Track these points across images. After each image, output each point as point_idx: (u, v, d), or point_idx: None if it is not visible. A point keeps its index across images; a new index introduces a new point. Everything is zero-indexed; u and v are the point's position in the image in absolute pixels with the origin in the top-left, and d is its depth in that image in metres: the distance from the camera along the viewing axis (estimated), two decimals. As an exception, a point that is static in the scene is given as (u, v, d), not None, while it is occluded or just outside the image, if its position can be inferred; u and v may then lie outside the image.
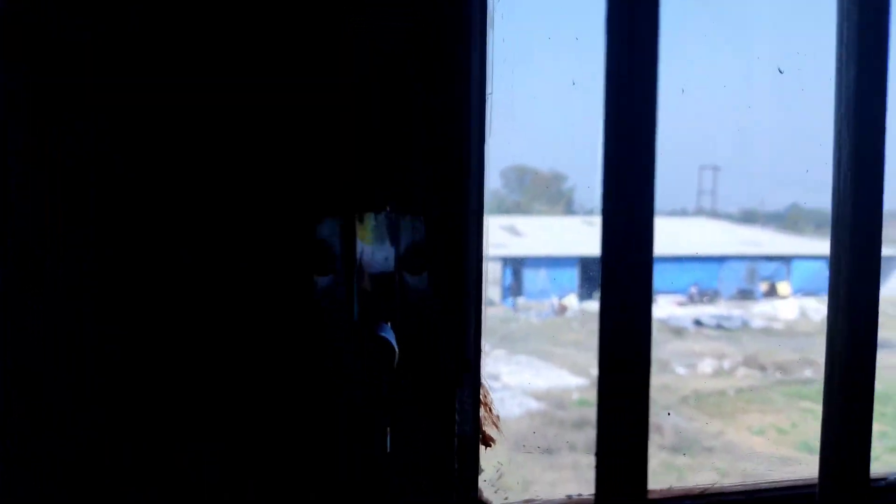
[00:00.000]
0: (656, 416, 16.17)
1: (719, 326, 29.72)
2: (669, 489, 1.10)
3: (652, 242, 0.89)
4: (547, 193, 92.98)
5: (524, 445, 13.58)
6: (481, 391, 0.78)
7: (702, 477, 12.18)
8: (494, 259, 38.07)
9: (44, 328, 0.64)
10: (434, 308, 0.78)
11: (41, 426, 0.66)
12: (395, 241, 0.78)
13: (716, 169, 69.55)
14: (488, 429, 0.78)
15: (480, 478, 0.78)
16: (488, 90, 0.86)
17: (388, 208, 0.76)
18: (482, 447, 0.79)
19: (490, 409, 0.78)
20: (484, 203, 0.86)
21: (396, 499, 0.74)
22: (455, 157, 0.80)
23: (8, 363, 0.64)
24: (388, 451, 0.73)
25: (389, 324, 0.75)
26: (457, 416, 0.78)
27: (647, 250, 0.89)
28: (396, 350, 0.71)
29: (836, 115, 0.96)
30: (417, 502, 0.75)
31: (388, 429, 0.73)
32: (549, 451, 13.30)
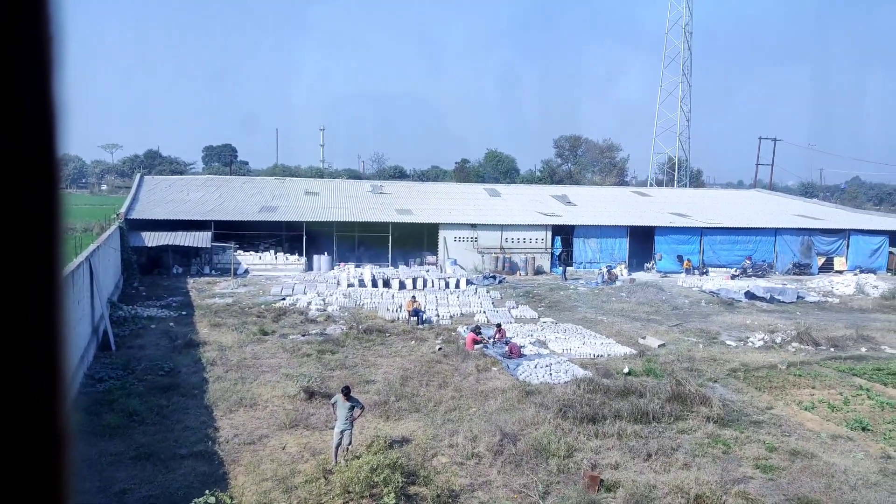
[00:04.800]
0: (703, 387, 16.07)
1: (772, 300, 29.13)
2: None
3: None
4: (600, 163, 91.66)
5: (570, 412, 13.68)
6: None
7: (749, 450, 12.10)
8: (545, 227, 37.98)
9: None
10: None
11: None
12: None
13: (776, 140, 67.02)
14: None
15: None
16: None
17: None
18: None
19: None
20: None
21: None
22: None
23: None
24: None
25: None
26: None
27: None
28: None
29: None
30: None
31: None
32: (593, 419, 13.37)
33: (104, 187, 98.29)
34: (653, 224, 38.35)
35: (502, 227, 36.72)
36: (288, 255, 35.20)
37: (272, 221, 35.55)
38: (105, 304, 20.37)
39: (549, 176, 76.39)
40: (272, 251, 35.41)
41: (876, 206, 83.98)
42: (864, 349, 20.66)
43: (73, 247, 18.90)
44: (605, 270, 33.94)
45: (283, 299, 26.39)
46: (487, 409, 14.25)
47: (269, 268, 33.90)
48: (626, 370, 17.37)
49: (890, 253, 39.37)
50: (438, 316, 23.98)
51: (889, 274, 38.16)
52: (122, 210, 33.14)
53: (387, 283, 29.80)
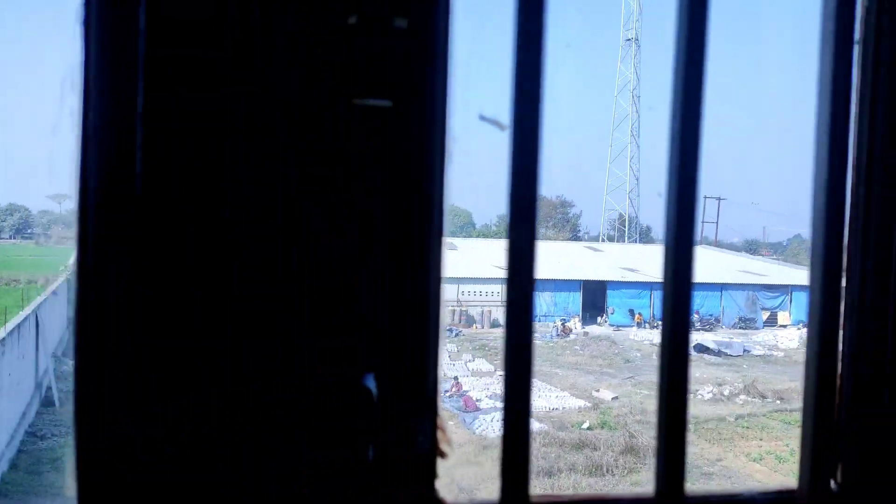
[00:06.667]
0: (654, 439, 16.25)
1: (720, 353, 29.91)
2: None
3: None
4: (553, 218, 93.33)
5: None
6: (438, 420, 0.95)
7: (699, 502, 12.32)
8: (501, 281, 38.25)
9: None
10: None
11: None
12: None
13: (720, 199, 69.57)
14: (443, 446, 1.00)
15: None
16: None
17: None
18: (439, 458, 0.99)
19: (444, 432, 1.00)
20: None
21: (377, 494, 0.92)
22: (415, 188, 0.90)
23: None
24: (370, 460, 0.92)
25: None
26: (419, 438, 0.95)
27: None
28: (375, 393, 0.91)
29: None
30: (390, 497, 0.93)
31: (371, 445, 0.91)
32: (549, 472, 13.45)
33: (51, 238, 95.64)
34: (605, 278, 39.13)
35: (459, 281, 36.98)
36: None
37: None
38: (49, 357, 19.74)
39: (504, 230, 77.38)
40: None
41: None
42: (807, 401, 21.27)
43: (20, 299, 18.41)
44: (559, 324, 34.35)
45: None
46: (444, 463, 14.19)
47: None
48: (585, 425, 17.54)
49: (830, 307, 40.90)
50: (394, 370, 23.84)
51: (829, 328, 39.55)
52: (71, 262, 32.34)
53: (342, 337, 29.52)
